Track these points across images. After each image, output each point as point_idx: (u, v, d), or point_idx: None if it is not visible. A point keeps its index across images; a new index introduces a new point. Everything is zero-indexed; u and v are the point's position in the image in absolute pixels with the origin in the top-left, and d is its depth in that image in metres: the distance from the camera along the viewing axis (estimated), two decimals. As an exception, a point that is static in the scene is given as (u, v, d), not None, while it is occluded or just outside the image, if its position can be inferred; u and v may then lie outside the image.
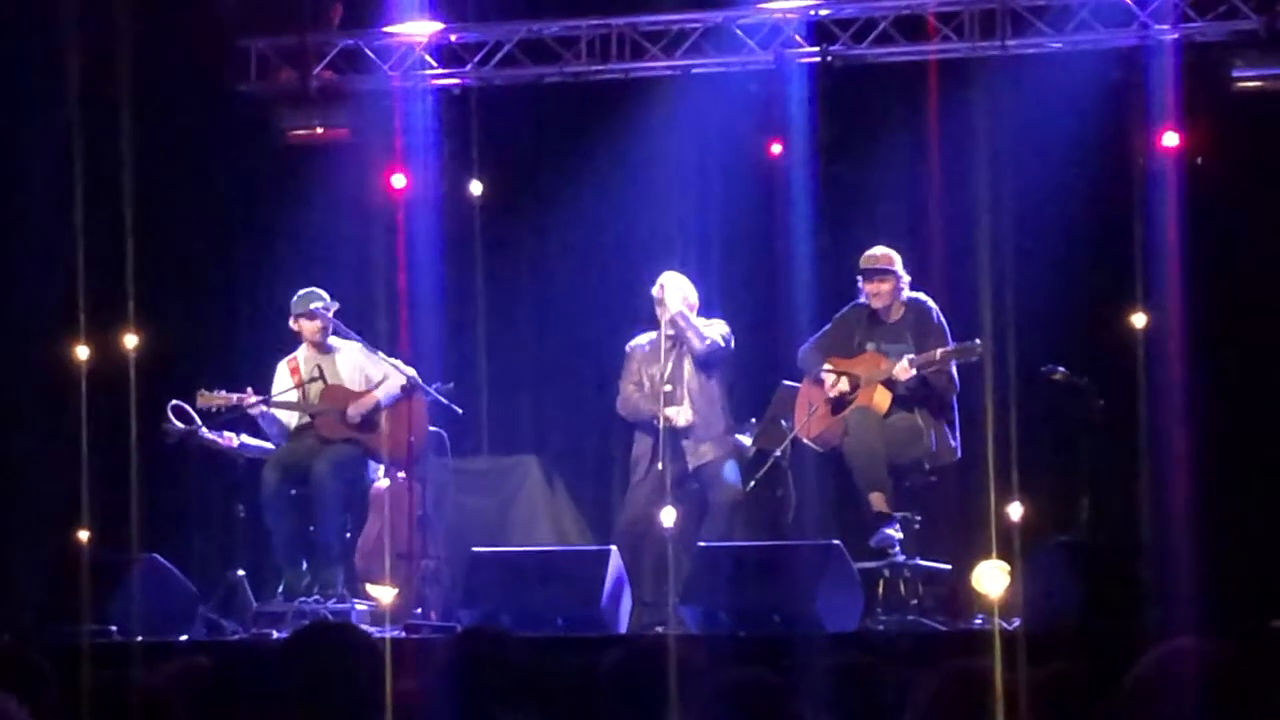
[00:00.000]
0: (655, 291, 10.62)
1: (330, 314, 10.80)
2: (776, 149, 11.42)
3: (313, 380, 10.77)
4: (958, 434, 10.13)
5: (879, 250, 10.29)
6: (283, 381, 10.87)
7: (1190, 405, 10.33)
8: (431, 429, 10.83)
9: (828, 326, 10.46)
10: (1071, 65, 11.32)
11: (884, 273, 10.20)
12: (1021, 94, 11.13)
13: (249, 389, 10.69)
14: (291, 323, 10.88)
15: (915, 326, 10.20)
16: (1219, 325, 10.92)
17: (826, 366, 10.29)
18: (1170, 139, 10.97)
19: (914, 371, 9.99)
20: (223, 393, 10.60)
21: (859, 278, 10.26)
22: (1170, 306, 10.71)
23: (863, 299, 10.30)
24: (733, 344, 10.63)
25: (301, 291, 10.90)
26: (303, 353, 10.93)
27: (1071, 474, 10.34)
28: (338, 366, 10.87)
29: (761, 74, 11.71)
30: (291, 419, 10.84)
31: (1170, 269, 10.67)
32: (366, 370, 10.83)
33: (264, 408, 10.66)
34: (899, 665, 4.89)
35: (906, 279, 10.26)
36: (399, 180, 11.92)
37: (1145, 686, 3.31)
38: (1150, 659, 3.34)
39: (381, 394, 10.72)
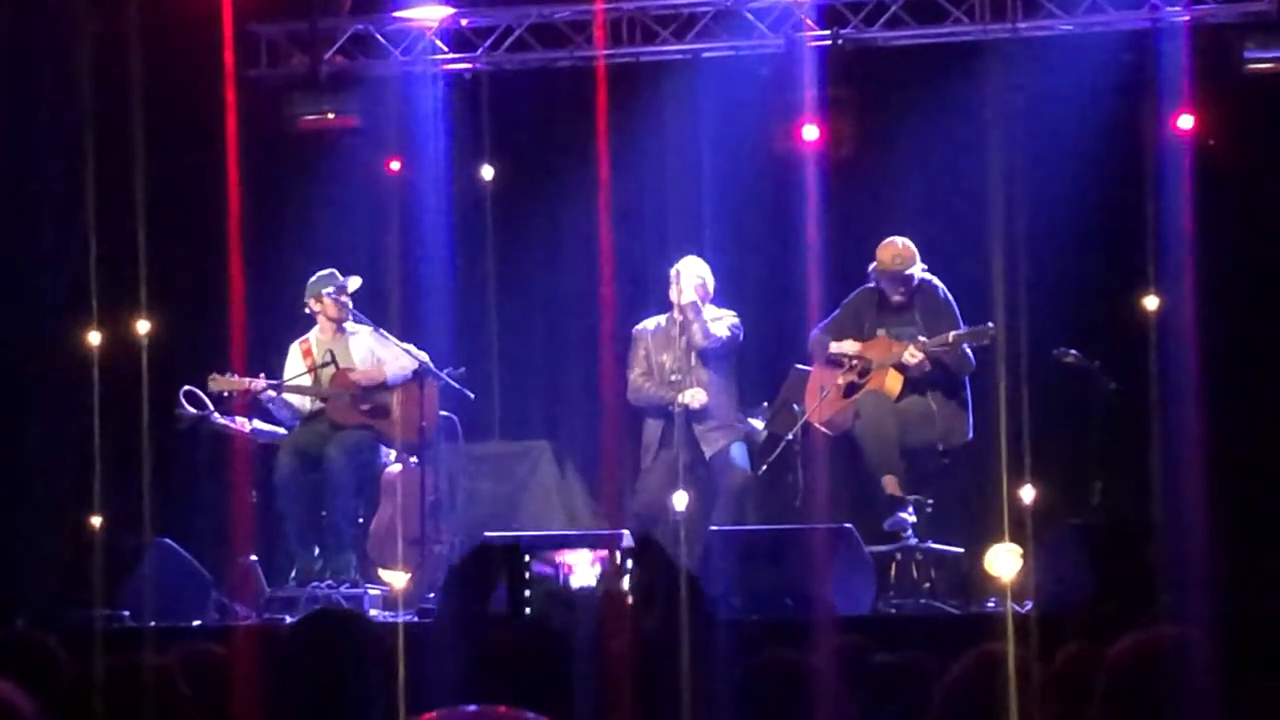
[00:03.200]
0: (672, 275, 10.61)
1: (350, 292, 10.85)
2: (812, 132, 11.32)
3: (325, 365, 10.79)
4: (970, 414, 10.12)
5: (900, 256, 10.20)
6: (295, 363, 10.90)
7: (1202, 388, 10.31)
8: (443, 414, 10.84)
9: (837, 311, 10.46)
10: (1082, 48, 11.30)
11: (907, 278, 10.19)
12: (1032, 77, 11.11)
13: (262, 375, 10.71)
14: (312, 303, 10.89)
15: (923, 308, 10.20)
16: (1231, 308, 10.90)
17: (837, 347, 10.28)
18: (1185, 121, 10.95)
19: (923, 357, 10.00)
20: (235, 377, 10.62)
21: (875, 274, 10.24)
22: (1182, 289, 10.69)
23: (872, 283, 10.30)
24: (741, 335, 10.63)
25: (322, 273, 10.92)
26: (316, 335, 10.95)
27: (1083, 457, 10.34)
28: (350, 350, 10.89)
29: (772, 57, 11.69)
30: (303, 402, 10.86)
31: (1182, 252, 10.65)
32: (378, 354, 10.85)
33: (275, 393, 10.68)
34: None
35: (921, 267, 10.26)
36: (402, 165, 11.91)
37: (1117, 679, 3.31)
38: (1119, 650, 3.33)
39: (389, 370, 10.73)
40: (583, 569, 2.79)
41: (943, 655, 4.51)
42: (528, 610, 2.75)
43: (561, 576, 2.77)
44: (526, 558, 2.75)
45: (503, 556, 2.75)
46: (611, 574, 2.78)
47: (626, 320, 11.15)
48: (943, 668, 4.26)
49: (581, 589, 2.76)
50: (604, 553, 2.78)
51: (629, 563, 2.74)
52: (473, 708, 1.94)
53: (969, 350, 10.08)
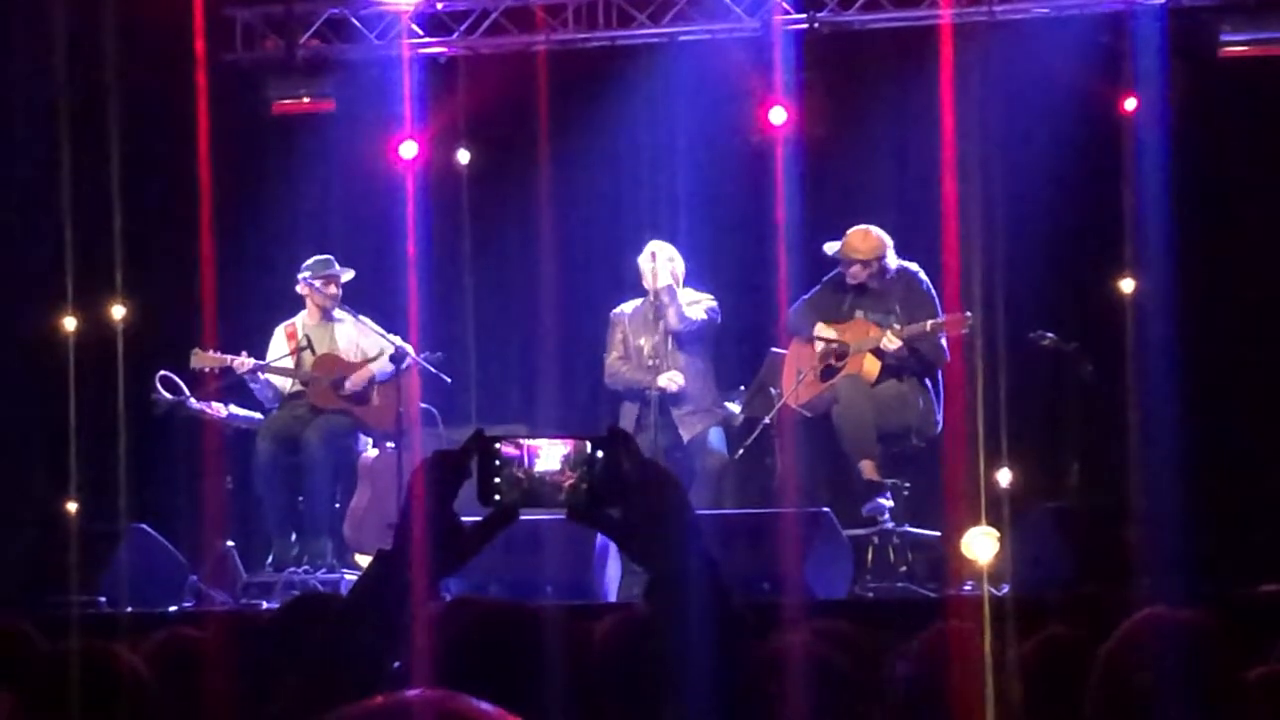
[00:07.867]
0: (642, 261, 10.61)
1: (342, 283, 10.86)
2: (779, 115, 11.30)
3: (303, 349, 10.78)
4: (940, 407, 10.13)
5: (857, 239, 10.21)
6: (278, 345, 10.90)
7: (1178, 369, 10.33)
8: (423, 406, 10.84)
9: (817, 288, 10.45)
10: (1058, 31, 11.30)
11: (862, 262, 10.18)
12: (1008, 60, 11.10)
13: (244, 352, 10.69)
14: (302, 286, 10.87)
15: (903, 295, 10.19)
16: (1207, 290, 10.92)
17: (818, 331, 10.28)
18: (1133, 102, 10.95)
19: (901, 343, 10.00)
20: (217, 353, 10.60)
21: (838, 255, 10.24)
22: (1158, 272, 10.70)
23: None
24: (719, 319, 10.62)
25: (320, 257, 10.95)
26: (302, 319, 10.95)
27: (1060, 440, 10.37)
28: (335, 337, 10.89)
29: (749, 41, 11.68)
30: (285, 383, 10.85)
31: (1158, 235, 10.65)
32: (360, 342, 10.86)
33: (257, 372, 10.66)
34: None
35: (890, 251, 10.23)
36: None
37: (1119, 658, 3.30)
38: (1123, 630, 3.33)
39: (377, 368, 10.74)
40: (549, 454, 2.79)
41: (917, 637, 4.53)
42: (497, 497, 2.75)
43: (527, 459, 2.78)
44: (496, 444, 2.75)
45: (472, 444, 2.76)
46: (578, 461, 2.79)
47: (604, 303, 11.14)
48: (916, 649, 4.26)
49: (545, 473, 2.76)
50: (571, 440, 2.78)
51: (598, 452, 2.74)
52: (415, 692, 1.94)
53: (944, 342, 10.05)
